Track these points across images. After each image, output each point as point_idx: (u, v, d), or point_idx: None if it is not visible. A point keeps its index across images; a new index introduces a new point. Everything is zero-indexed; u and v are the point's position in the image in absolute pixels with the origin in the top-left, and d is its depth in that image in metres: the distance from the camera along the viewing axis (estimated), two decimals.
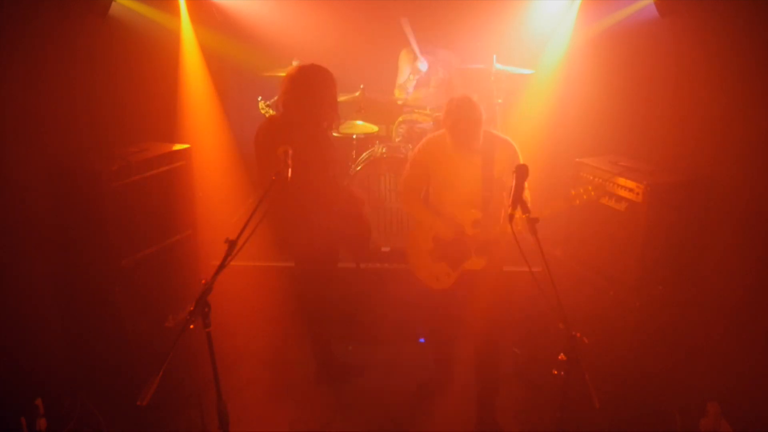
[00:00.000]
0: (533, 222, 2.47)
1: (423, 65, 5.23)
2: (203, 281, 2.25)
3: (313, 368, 3.99)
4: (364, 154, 5.02)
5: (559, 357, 2.23)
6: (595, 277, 3.96)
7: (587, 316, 3.79)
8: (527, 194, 3.29)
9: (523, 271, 2.83)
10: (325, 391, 3.90)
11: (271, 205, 3.26)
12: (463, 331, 3.73)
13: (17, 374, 3.34)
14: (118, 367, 3.70)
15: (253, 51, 5.51)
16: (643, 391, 3.62)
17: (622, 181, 3.73)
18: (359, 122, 5.31)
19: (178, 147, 4.25)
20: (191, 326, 2.18)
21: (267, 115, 4.30)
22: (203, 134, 5.09)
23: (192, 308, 2.18)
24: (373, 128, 5.25)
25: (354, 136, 5.13)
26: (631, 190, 3.66)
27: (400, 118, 5.42)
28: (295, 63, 5.29)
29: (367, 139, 5.18)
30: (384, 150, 4.90)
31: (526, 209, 2.54)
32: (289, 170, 2.78)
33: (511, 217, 2.55)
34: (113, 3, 4.21)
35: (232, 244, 2.36)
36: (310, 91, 3.39)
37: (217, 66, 5.35)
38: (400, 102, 5.47)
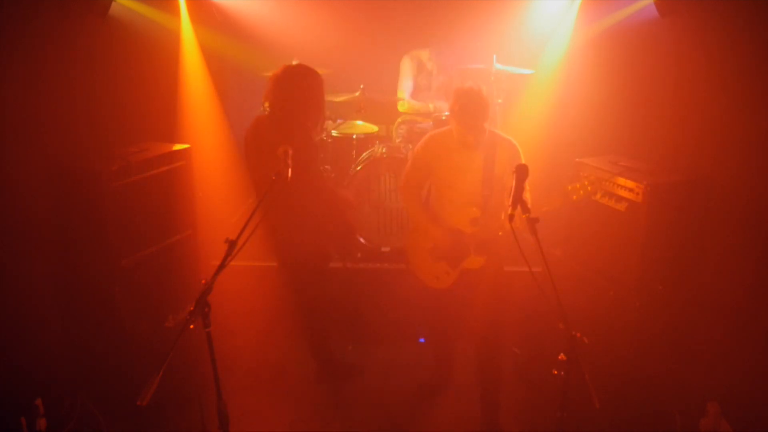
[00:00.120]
0: (533, 222, 2.47)
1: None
2: (203, 281, 2.24)
3: (312, 368, 3.99)
4: (364, 154, 5.02)
5: (559, 357, 2.22)
6: (596, 277, 3.96)
7: (587, 316, 3.79)
8: (528, 195, 3.29)
9: (523, 271, 2.83)
10: (325, 391, 3.90)
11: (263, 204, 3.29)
12: (463, 330, 3.73)
13: (17, 374, 3.34)
14: (118, 367, 3.70)
15: (253, 51, 5.51)
16: (643, 391, 3.62)
17: (622, 181, 3.73)
18: (359, 122, 5.31)
19: (178, 147, 4.26)
20: (191, 326, 2.18)
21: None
22: (203, 134, 5.09)
23: (192, 308, 2.18)
24: (373, 128, 5.25)
25: (354, 136, 5.13)
26: (631, 190, 3.66)
27: (400, 119, 5.42)
28: (295, 63, 5.28)
29: (367, 139, 5.18)
30: (384, 150, 4.90)
31: (526, 209, 2.53)
32: (290, 170, 2.79)
33: (511, 217, 2.55)
34: (113, 3, 4.21)
35: (232, 244, 2.36)
36: (297, 90, 3.41)
37: (217, 66, 5.35)
38: (401, 110, 5.46)
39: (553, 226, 4.07)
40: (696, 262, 3.79)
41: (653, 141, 4.19)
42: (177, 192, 4.20)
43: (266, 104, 3.44)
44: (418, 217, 3.51)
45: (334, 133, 5.14)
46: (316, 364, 3.99)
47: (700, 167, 3.79)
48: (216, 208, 4.82)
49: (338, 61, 5.57)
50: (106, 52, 4.24)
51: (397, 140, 5.31)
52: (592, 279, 3.97)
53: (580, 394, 2.15)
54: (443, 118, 4.96)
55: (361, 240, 4.88)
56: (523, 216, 2.51)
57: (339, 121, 5.27)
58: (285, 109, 3.39)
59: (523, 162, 3.18)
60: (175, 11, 4.97)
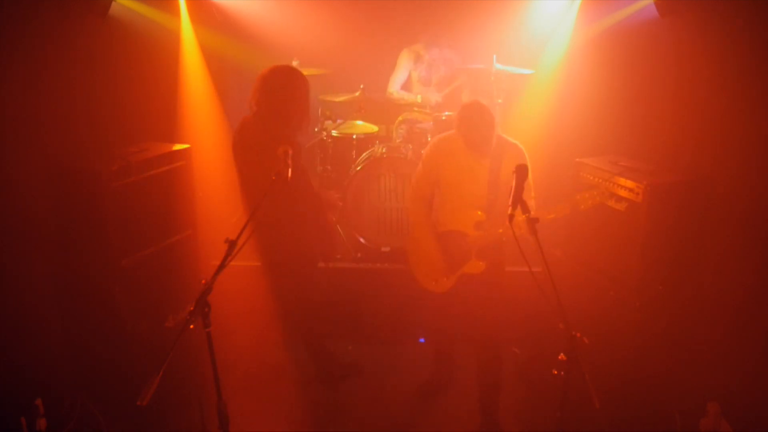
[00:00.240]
0: (533, 222, 2.47)
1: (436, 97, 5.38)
2: (203, 281, 2.25)
3: (312, 368, 3.99)
4: (364, 154, 5.02)
5: (559, 357, 2.22)
6: (596, 277, 3.96)
7: (587, 316, 3.79)
8: (532, 202, 3.29)
9: (523, 271, 2.83)
10: (324, 391, 3.90)
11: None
12: (463, 330, 3.73)
13: (17, 374, 3.34)
14: (118, 367, 3.70)
15: (253, 51, 5.50)
16: (643, 391, 3.62)
17: (622, 181, 3.73)
18: (359, 122, 5.31)
19: (178, 147, 4.26)
20: (191, 326, 2.18)
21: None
22: (203, 134, 5.08)
23: (192, 308, 2.18)
24: (373, 128, 5.25)
25: (354, 136, 5.13)
26: (631, 190, 3.66)
27: (400, 118, 5.41)
28: (295, 63, 5.29)
29: (367, 139, 5.18)
30: (384, 150, 4.90)
31: (526, 209, 2.53)
32: (290, 170, 2.79)
33: (511, 217, 2.55)
34: (113, 3, 4.21)
35: (232, 244, 2.36)
36: (282, 91, 3.41)
37: (217, 66, 5.35)
38: (388, 94, 5.54)
39: (554, 227, 4.06)
40: (696, 262, 3.79)
41: (653, 141, 4.19)
42: (177, 192, 4.20)
43: (252, 104, 3.45)
44: (420, 230, 3.52)
45: (334, 133, 5.14)
46: (315, 365, 3.99)
47: (700, 167, 3.79)
48: (216, 208, 4.82)
49: (338, 61, 5.58)
50: (106, 52, 4.24)
51: (397, 140, 5.31)
52: (592, 279, 3.97)
53: (580, 394, 2.14)
54: (443, 118, 4.97)
55: (361, 240, 4.88)
56: (523, 216, 2.51)
57: (339, 121, 5.27)
58: (270, 110, 3.40)
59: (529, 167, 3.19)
60: (175, 11, 4.97)
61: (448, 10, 5.67)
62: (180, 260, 4.25)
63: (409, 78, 5.63)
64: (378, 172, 4.83)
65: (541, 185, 3.73)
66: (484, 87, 5.20)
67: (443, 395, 3.86)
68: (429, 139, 5.09)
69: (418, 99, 5.34)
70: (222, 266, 2.32)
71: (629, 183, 3.67)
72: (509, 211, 2.56)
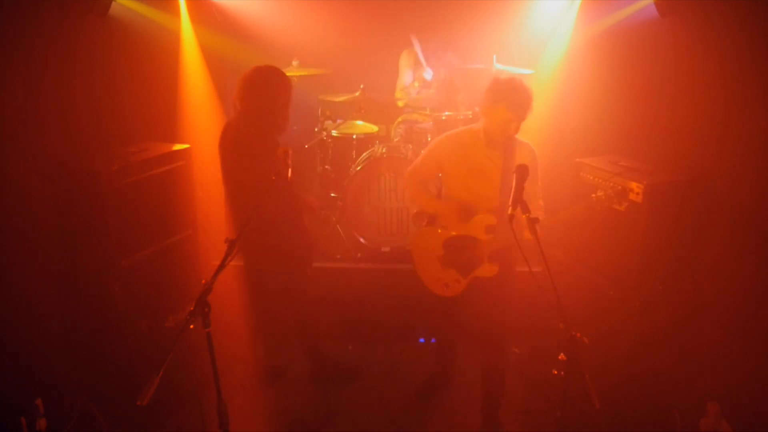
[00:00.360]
0: (533, 222, 2.47)
1: (428, 74, 5.30)
2: (203, 281, 2.25)
3: (307, 370, 3.97)
4: (364, 154, 5.02)
5: (559, 357, 2.23)
6: (595, 276, 3.96)
7: (587, 316, 3.79)
8: (541, 202, 3.27)
9: (523, 271, 2.82)
10: (324, 391, 3.90)
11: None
12: (466, 331, 3.73)
13: (17, 374, 3.34)
14: (118, 367, 3.70)
15: (253, 51, 5.50)
16: (643, 391, 3.62)
17: (622, 181, 3.72)
18: (359, 122, 5.31)
19: (178, 147, 4.26)
20: (191, 326, 2.18)
21: None
22: (203, 134, 5.08)
23: (192, 308, 2.19)
24: (373, 128, 5.25)
25: (354, 136, 5.13)
26: (631, 190, 3.66)
27: (400, 118, 5.42)
28: (295, 63, 5.30)
29: (367, 139, 5.18)
30: (384, 150, 4.90)
31: (526, 209, 2.53)
32: (290, 170, 2.79)
33: (511, 217, 2.55)
34: (113, 3, 4.21)
35: (232, 244, 2.37)
36: (264, 90, 3.42)
37: (217, 66, 5.35)
38: (401, 104, 5.48)
39: (553, 227, 4.07)
40: (696, 261, 3.79)
41: (653, 141, 4.19)
42: (177, 192, 4.20)
43: (236, 105, 3.47)
44: (422, 199, 3.42)
45: (334, 133, 5.14)
46: (310, 365, 3.98)
47: (700, 167, 3.78)
48: (216, 208, 4.81)
49: (338, 61, 5.58)
50: (106, 52, 4.24)
51: (397, 140, 5.31)
52: (592, 279, 3.97)
53: (580, 394, 2.15)
54: (443, 118, 4.97)
55: (361, 240, 4.88)
56: (523, 216, 2.51)
57: (339, 121, 5.27)
58: (254, 109, 3.41)
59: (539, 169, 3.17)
60: (175, 11, 4.97)
61: (448, 10, 5.67)
62: (180, 260, 4.25)
63: (414, 77, 5.61)
64: (378, 172, 4.83)
65: (541, 186, 3.72)
66: (481, 87, 5.19)
67: (443, 395, 3.86)
68: (429, 139, 5.09)
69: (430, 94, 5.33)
70: (222, 266, 2.32)
71: (629, 183, 3.67)
72: (509, 211, 2.56)
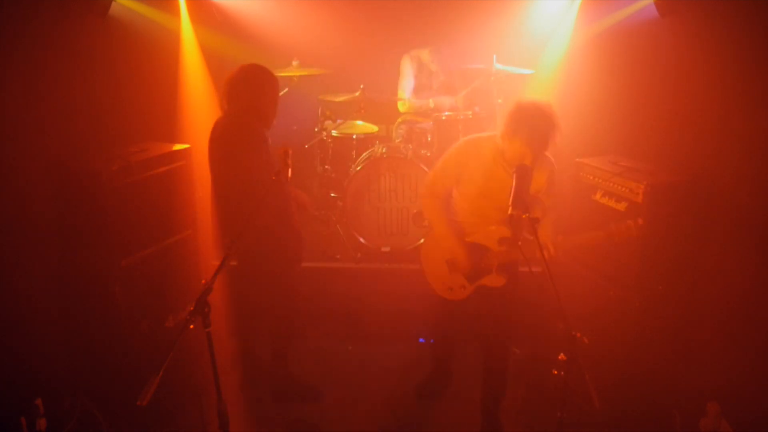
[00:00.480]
0: (533, 222, 2.47)
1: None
2: (203, 281, 2.25)
3: (271, 386, 3.84)
4: (364, 154, 5.02)
5: (559, 357, 2.23)
6: (595, 276, 3.96)
7: (587, 316, 3.79)
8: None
9: (523, 271, 2.82)
10: (324, 391, 3.90)
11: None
12: (466, 332, 3.72)
13: (17, 374, 3.34)
14: (118, 367, 3.70)
15: (253, 51, 5.49)
16: (643, 391, 3.62)
17: (622, 181, 3.72)
18: (359, 122, 5.31)
19: (178, 147, 4.26)
20: (191, 326, 2.18)
21: None
22: (203, 134, 5.06)
23: (192, 308, 2.19)
24: (373, 128, 5.25)
25: (354, 136, 5.13)
26: (631, 190, 3.66)
27: (400, 119, 5.42)
28: (295, 63, 5.30)
29: (367, 139, 5.18)
30: (384, 150, 4.90)
31: (526, 209, 2.53)
32: (290, 170, 2.79)
33: (512, 217, 2.55)
34: (113, 3, 4.21)
35: (232, 244, 2.37)
36: (251, 88, 3.43)
37: (217, 66, 5.34)
38: (402, 110, 5.45)
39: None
40: (696, 261, 3.79)
41: (653, 141, 4.19)
42: (177, 192, 4.19)
43: (224, 104, 3.47)
44: (441, 228, 3.32)
45: (334, 133, 5.14)
46: (273, 382, 3.83)
47: (700, 167, 3.78)
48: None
49: (338, 61, 5.57)
50: (106, 52, 4.23)
51: (397, 140, 5.31)
52: (592, 278, 3.97)
53: (580, 394, 2.15)
54: (443, 118, 4.97)
55: (361, 240, 4.88)
56: (523, 216, 2.51)
57: (339, 121, 5.27)
58: (241, 108, 3.42)
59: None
60: (175, 11, 4.97)
61: (448, 11, 5.67)
62: (180, 260, 4.25)
63: (415, 83, 5.58)
64: (378, 172, 4.83)
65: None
66: (481, 87, 5.20)
67: (443, 395, 3.86)
68: (429, 139, 5.10)
69: (431, 104, 5.31)
70: (222, 266, 2.32)
71: (629, 183, 3.67)
72: (509, 211, 2.56)
